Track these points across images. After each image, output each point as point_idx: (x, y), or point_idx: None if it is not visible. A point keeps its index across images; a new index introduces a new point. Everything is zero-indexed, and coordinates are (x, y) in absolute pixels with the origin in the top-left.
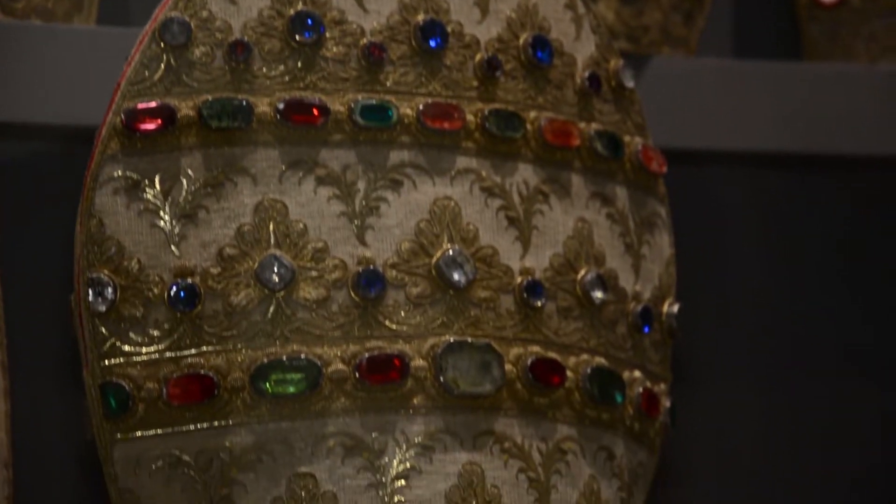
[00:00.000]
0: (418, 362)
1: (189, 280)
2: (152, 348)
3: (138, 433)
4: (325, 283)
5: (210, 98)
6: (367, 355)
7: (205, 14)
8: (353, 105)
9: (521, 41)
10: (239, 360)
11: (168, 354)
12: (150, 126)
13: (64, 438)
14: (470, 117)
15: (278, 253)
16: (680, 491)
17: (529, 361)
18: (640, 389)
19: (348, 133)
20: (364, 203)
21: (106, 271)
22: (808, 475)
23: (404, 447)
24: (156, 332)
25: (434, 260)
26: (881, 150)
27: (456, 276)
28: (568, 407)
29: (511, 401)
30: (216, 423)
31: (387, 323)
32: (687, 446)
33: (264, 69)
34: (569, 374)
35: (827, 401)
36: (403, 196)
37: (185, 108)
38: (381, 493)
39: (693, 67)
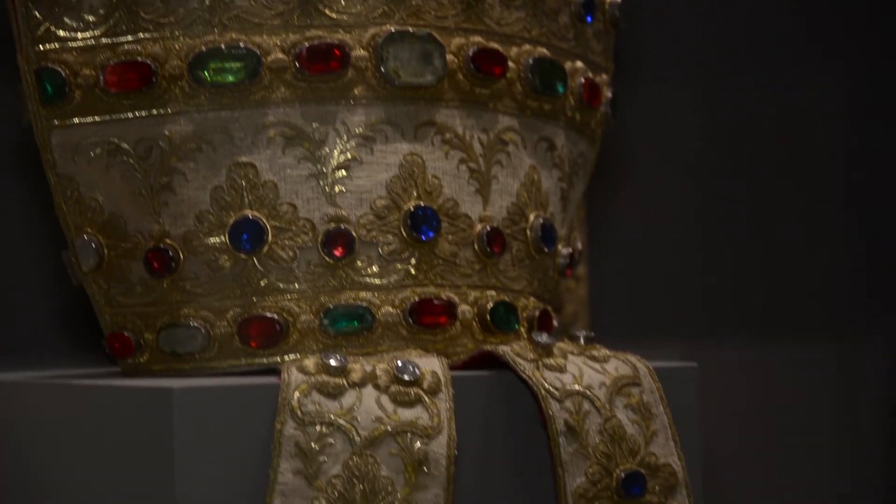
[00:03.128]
0: (359, 52)
1: None
2: (87, 34)
3: (76, 120)
4: None
5: None
6: (307, 45)
7: None
8: None
9: None
10: (177, 47)
11: (104, 41)
12: None
13: None
14: None
15: None
16: (620, 182)
17: (471, 52)
18: (582, 80)
19: None
20: None
21: None
22: (754, 175)
23: (345, 138)
24: (91, 18)
25: None
26: None
27: None
28: (509, 98)
29: (452, 91)
30: (154, 112)
31: (327, 12)
32: (628, 138)
33: None
34: (510, 64)
35: (774, 99)
36: None
37: None
38: (322, 183)
39: None
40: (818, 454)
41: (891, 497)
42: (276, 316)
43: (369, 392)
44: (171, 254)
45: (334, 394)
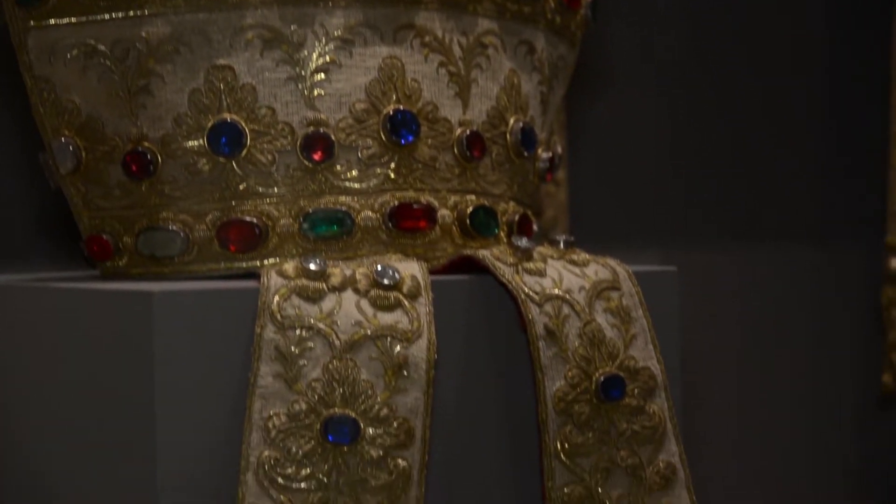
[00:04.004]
0: None
1: None
2: None
3: (52, 21)
4: None
5: None
6: None
7: None
8: None
9: None
10: None
11: None
12: None
13: None
14: None
15: None
16: (600, 86)
17: None
18: None
19: None
20: None
21: None
22: (736, 79)
23: (324, 40)
24: None
25: None
26: None
27: None
28: (489, 0)
29: None
30: (132, 13)
31: None
32: (608, 41)
33: None
34: None
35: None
36: None
37: None
38: (300, 86)
39: None
40: (797, 357)
41: (870, 399)
42: (255, 220)
43: (349, 296)
44: (149, 157)
45: (314, 298)
